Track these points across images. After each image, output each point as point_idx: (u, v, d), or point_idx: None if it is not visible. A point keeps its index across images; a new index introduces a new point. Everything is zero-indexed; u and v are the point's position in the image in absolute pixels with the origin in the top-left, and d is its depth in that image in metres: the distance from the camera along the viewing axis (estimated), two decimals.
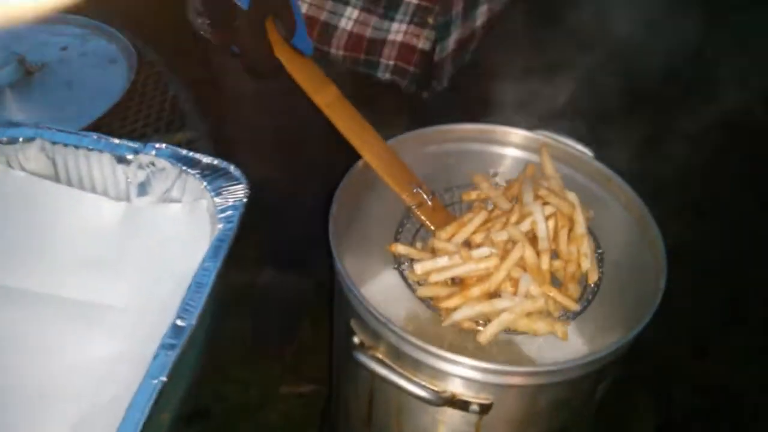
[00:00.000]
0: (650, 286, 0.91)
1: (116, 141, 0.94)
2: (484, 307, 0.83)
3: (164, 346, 0.69)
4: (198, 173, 0.90)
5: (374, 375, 0.84)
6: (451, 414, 0.85)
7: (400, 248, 0.91)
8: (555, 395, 0.85)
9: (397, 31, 1.05)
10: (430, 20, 1.05)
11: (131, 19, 1.36)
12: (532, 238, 0.89)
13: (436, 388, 0.82)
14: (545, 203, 0.91)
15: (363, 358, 0.82)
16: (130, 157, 0.93)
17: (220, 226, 0.83)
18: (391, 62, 1.08)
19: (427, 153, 1.04)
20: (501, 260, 0.86)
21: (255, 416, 1.72)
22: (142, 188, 0.94)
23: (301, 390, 1.78)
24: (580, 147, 1.04)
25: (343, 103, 0.94)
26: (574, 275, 0.90)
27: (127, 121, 1.13)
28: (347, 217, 0.93)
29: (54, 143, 0.95)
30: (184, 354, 0.69)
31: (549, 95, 1.07)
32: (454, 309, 0.84)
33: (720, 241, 1.99)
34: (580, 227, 0.91)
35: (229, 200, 0.86)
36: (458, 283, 0.88)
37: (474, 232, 0.91)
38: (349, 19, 1.04)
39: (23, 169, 0.96)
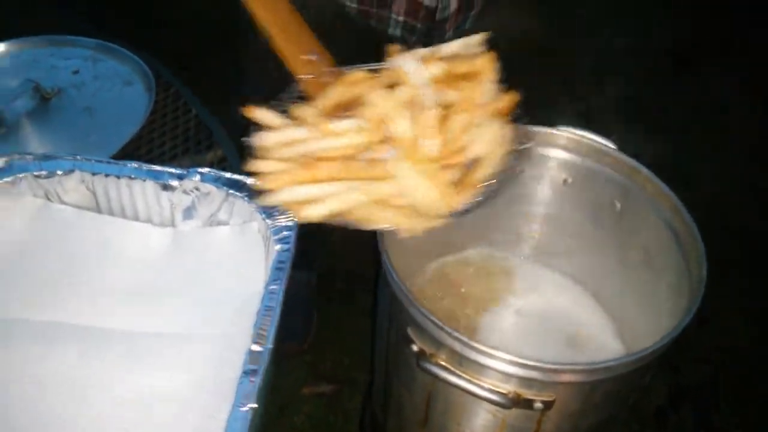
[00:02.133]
0: (686, 275, 0.95)
1: (158, 168, 0.94)
2: (313, 189, 0.72)
3: (246, 373, 0.71)
4: (245, 195, 0.91)
5: (436, 379, 0.87)
6: (513, 412, 0.88)
7: (257, 112, 0.75)
8: (610, 388, 0.88)
9: None
10: None
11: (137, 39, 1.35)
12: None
13: (500, 390, 0.85)
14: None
15: (429, 367, 0.84)
16: (173, 183, 0.93)
17: (278, 247, 0.84)
18: (401, 18, 1.12)
19: None
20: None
21: (281, 420, 1.74)
22: (188, 213, 0.95)
23: (322, 390, 1.81)
24: (602, 140, 1.07)
25: None
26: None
27: (155, 144, 1.13)
28: None
29: (94, 174, 0.95)
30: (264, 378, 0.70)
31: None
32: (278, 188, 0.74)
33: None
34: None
35: (281, 221, 0.88)
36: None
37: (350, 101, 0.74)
38: None
39: (63, 202, 0.97)
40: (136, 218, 0.97)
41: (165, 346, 0.84)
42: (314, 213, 0.72)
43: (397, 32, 1.13)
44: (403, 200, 0.71)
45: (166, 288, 0.90)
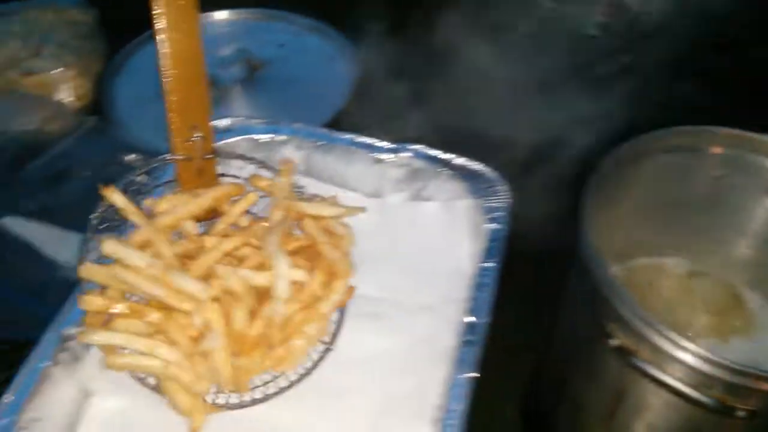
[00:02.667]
0: None
1: (373, 141, 0.98)
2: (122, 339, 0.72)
3: (466, 343, 0.73)
4: (456, 174, 0.94)
5: (630, 376, 0.86)
6: (712, 418, 0.86)
7: (109, 246, 0.73)
8: None
9: None
10: None
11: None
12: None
13: (704, 394, 0.83)
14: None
15: (635, 362, 0.83)
16: (386, 156, 0.97)
17: (491, 226, 0.86)
18: None
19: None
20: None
21: None
22: (396, 186, 0.99)
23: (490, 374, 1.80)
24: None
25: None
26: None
27: (357, 118, 1.18)
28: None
29: (311, 141, 1.00)
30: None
31: None
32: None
33: None
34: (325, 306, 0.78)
35: (492, 201, 0.89)
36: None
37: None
38: None
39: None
40: (345, 187, 1.02)
41: (382, 309, 0.87)
42: (118, 363, 0.73)
43: None
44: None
45: (376, 256, 0.93)
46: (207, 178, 0.82)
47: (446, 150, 0.97)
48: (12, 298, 0.94)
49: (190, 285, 0.71)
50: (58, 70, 1.23)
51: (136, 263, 0.72)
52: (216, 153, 0.82)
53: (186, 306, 0.71)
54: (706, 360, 0.80)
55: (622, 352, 0.86)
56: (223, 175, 0.92)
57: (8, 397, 0.71)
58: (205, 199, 0.81)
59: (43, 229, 0.98)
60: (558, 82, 1.29)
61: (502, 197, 0.89)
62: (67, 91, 1.23)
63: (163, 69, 0.71)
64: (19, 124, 1.09)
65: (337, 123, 1.12)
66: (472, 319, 0.76)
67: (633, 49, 1.24)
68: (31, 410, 0.72)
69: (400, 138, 1.00)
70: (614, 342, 0.87)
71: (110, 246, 0.73)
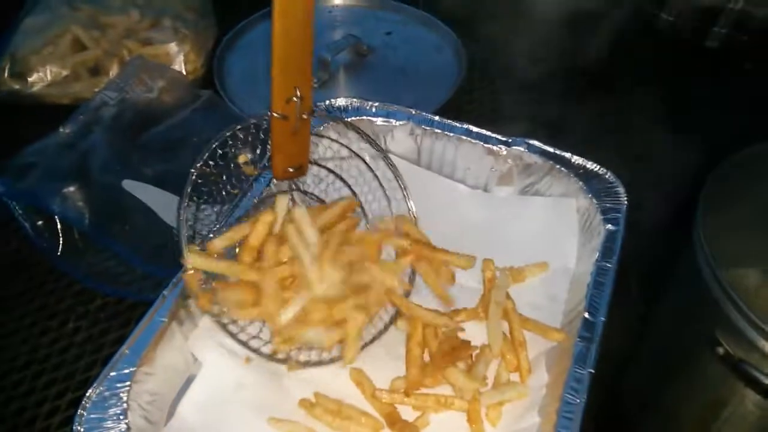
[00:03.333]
0: None
1: (487, 132, 0.99)
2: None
3: (582, 339, 0.73)
4: (571, 172, 0.93)
5: (731, 386, 0.84)
6: None
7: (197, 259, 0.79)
8: None
9: None
10: None
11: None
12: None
13: None
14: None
15: (749, 371, 0.82)
16: (499, 149, 0.98)
17: (607, 227, 0.86)
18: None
19: None
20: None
21: None
22: (504, 179, 0.99)
23: None
24: None
25: None
26: None
27: (461, 113, 1.18)
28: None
29: (426, 129, 1.01)
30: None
31: None
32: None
33: None
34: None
35: (609, 201, 0.89)
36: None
37: None
38: None
39: (388, 150, 1.04)
40: (452, 177, 1.02)
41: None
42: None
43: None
44: None
45: (481, 249, 0.93)
46: (300, 139, 0.83)
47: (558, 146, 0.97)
48: (129, 259, 0.97)
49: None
50: (174, 42, 1.27)
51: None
52: (313, 113, 0.83)
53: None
54: None
55: (729, 360, 0.85)
56: (319, 135, 0.94)
57: (126, 349, 0.74)
58: (329, 213, 0.86)
59: (159, 195, 1.01)
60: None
61: (620, 199, 0.89)
62: (182, 63, 1.26)
63: (273, 28, 0.72)
64: (140, 91, 1.13)
65: (442, 114, 1.12)
66: (590, 317, 0.76)
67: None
68: (146, 363, 0.74)
69: (506, 133, 1.00)
70: (720, 350, 0.86)
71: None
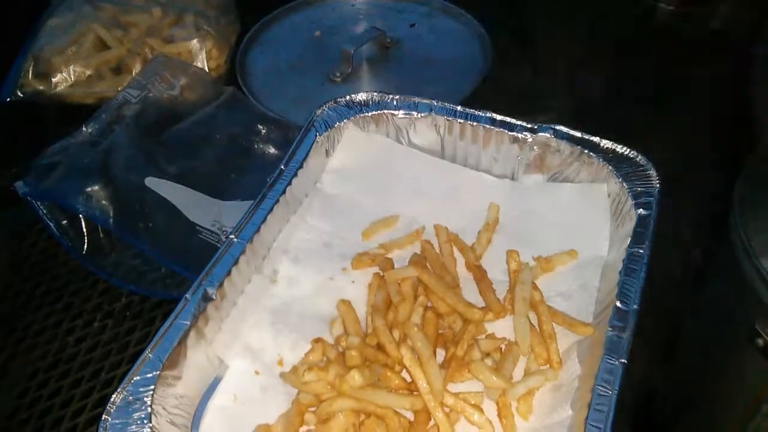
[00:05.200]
0: None
1: (512, 120, 0.96)
2: None
3: (614, 328, 0.70)
4: (600, 156, 0.90)
5: None
6: None
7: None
8: None
9: None
10: None
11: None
12: None
13: None
14: None
15: None
16: (525, 136, 0.95)
17: (639, 211, 0.83)
18: None
19: None
20: None
21: None
22: (531, 167, 0.96)
23: None
24: None
25: None
26: None
27: (487, 103, 1.16)
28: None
29: (449, 119, 0.99)
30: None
31: None
32: None
33: None
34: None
35: (640, 186, 0.86)
36: None
37: None
38: None
39: (411, 143, 1.02)
40: (477, 168, 1.00)
41: None
42: None
43: None
44: None
45: (509, 238, 0.91)
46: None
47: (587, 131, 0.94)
48: (154, 256, 0.96)
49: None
50: (196, 39, 1.26)
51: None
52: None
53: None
54: None
55: None
56: None
57: (150, 353, 0.73)
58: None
59: (182, 192, 1.00)
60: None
61: (651, 182, 0.86)
62: (204, 60, 1.26)
63: None
64: (163, 88, 1.12)
65: (468, 104, 1.10)
66: (622, 305, 0.73)
67: None
68: (169, 367, 0.73)
69: (534, 121, 0.97)
70: (760, 341, 0.83)
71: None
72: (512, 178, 0.98)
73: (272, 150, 1.11)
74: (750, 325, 0.84)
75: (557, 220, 0.92)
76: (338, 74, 1.28)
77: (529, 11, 1.41)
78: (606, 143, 0.92)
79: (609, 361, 0.68)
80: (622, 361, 0.68)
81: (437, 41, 1.35)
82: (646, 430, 1.01)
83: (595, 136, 0.93)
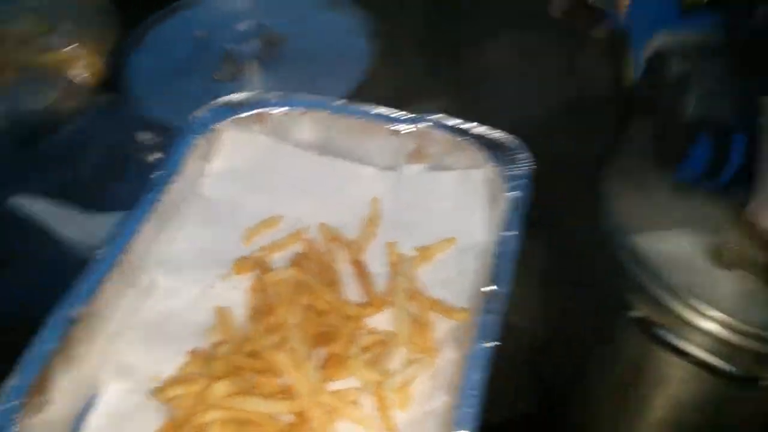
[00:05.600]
0: None
1: (390, 112, 0.96)
2: None
3: (487, 311, 0.71)
4: (475, 142, 0.91)
5: (649, 350, 0.84)
6: (735, 388, 0.84)
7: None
8: None
9: None
10: None
11: None
12: None
13: (728, 364, 0.80)
14: None
15: (659, 333, 0.81)
16: (403, 127, 0.95)
17: (511, 194, 0.84)
18: None
19: None
20: None
21: None
22: (413, 157, 0.97)
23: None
24: None
25: None
26: None
27: (376, 94, 1.16)
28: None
29: (330, 115, 0.98)
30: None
31: None
32: None
33: None
34: None
35: (513, 169, 0.87)
36: None
37: None
38: None
39: (296, 141, 1.01)
40: (365, 161, 0.99)
41: None
42: None
43: None
44: None
45: (391, 228, 0.91)
46: None
47: (467, 120, 0.95)
48: (24, 278, 0.93)
49: None
50: (74, 46, 1.22)
51: None
52: None
53: None
54: (732, 329, 0.78)
55: (643, 324, 0.85)
56: None
57: (14, 380, 0.70)
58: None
59: (53, 208, 0.97)
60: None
61: (524, 165, 0.87)
62: (83, 67, 1.22)
63: None
64: (32, 102, 1.08)
65: (355, 97, 1.10)
66: (493, 287, 0.74)
67: None
68: (37, 393, 0.70)
69: (420, 110, 0.98)
70: (635, 313, 0.86)
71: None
72: (395, 170, 0.99)
73: (155, 157, 1.09)
74: (624, 297, 0.87)
75: (437, 208, 0.92)
76: (224, 75, 1.26)
77: (422, 5, 1.41)
78: (480, 129, 0.93)
79: (480, 344, 0.69)
80: (493, 343, 0.69)
81: (325, 35, 1.33)
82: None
83: (472, 122, 0.94)
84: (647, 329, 0.85)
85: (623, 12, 0.84)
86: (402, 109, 0.98)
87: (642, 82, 0.84)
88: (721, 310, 0.78)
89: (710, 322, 0.79)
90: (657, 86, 0.80)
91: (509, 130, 0.93)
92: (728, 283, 0.81)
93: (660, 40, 0.79)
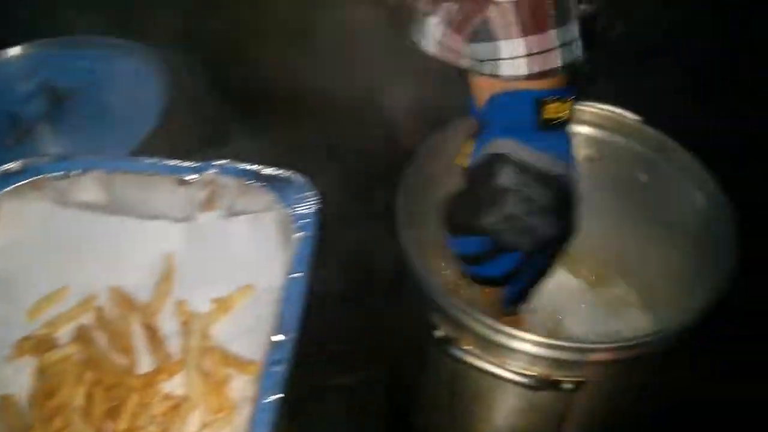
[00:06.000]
0: (716, 247, 0.92)
1: (174, 162, 0.93)
2: None
3: (271, 363, 0.70)
4: (263, 185, 0.90)
5: (460, 366, 0.85)
6: (540, 394, 0.86)
7: None
8: (643, 365, 0.86)
9: None
10: None
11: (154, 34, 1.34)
12: None
13: (527, 372, 0.83)
14: None
15: (454, 352, 0.83)
16: (190, 177, 0.92)
17: (299, 234, 0.83)
18: None
19: None
20: None
21: (302, 414, 1.73)
22: (206, 206, 0.94)
23: (345, 382, 1.79)
24: (627, 113, 1.04)
25: None
26: None
27: (173, 141, 1.13)
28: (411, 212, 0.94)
29: (110, 172, 0.94)
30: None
31: None
32: None
33: None
34: None
35: (301, 208, 0.86)
36: None
37: None
38: None
39: (78, 203, 0.96)
40: (154, 216, 0.96)
41: None
42: None
43: None
44: None
45: (188, 283, 0.89)
46: None
47: (260, 162, 0.93)
48: None
49: None
50: None
51: None
52: None
53: None
54: (522, 339, 0.80)
55: (446, 342, 0.86)
56: None
57: None
58: None
59: None
60: None
61: (311, 203, 0.87)
62: None
63: None
64: None
65: (148, 147, 1.06)
66: (280, 336, 0.72)
67: None
68: None
69: (216, 156, 0.96)
70: (438, 333, 0.87)
71: None
72: (188, 221, 0.96)
73: None
74: (427, 317, 0.88)
75: (233, 256, 0.90)
76: (9, 140, 1.19)
77: (215, 43, 1.39)
78: (268, 170, 0.92)
79: (262, 398, 0.67)
80: (277, 396, 0.67)
81: (116, 85, 1.29)
82: None
83: (260, 165, 0.93)
84: (450, 347, 0.86)
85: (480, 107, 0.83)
86: (195, 155, 0.96)
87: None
88: (508, 326, 0.80)
89: (502, 335, 0.81)
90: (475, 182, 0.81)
91: (299, 169, 0.92)
92: None
93: (505, 146, 0.79)
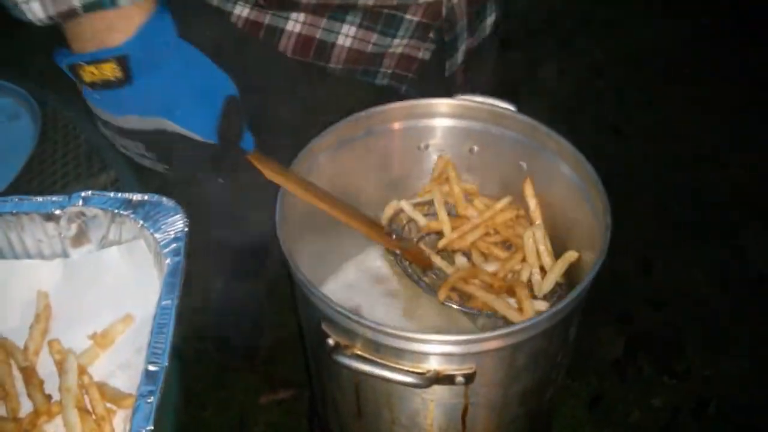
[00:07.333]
0: (595, 224, 0.94)
1: (40, 199, 0.90)
2: None
3: (143, 395, 0.67)
4: (131, 212, 0.87)
5: (357, 371, 0.85)
6: (438, 390, 0.86)
7: None
8: (531, 349, 0.87)
9: (398, 45, 1.05)
10: (431, 35, 1.05)
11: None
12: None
13: (419, 371, 0.83)
14: None
15: (343, 360, 0.82)
16: (58, 212, 0.89)
17: (168, 260, 0.81)
18: (390, 70, 1.07)
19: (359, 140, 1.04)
20: None
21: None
22: (77, 240, 0.91)
23: (280, 396, 1.78)
24: (501, 103, 1.05)
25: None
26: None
27: (47, 175, 1.09)
28: (298, 222, 0.93)
29: None
30: (164, 397, 0.67)
31: None
32: None
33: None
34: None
35: (170, 233, 0.84)
36: None
37: None
38: (347, 36, 1.02)
39: None
40: (27, 255, 0.92)
41: None
42: None
43: (384, 82, 1.08)
44: None
45: (64, 321, 0.86)
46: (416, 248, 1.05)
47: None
48: None
49: None
50: None
51: None
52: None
53: None
54: (407, 338, 0.80)
55: (339, 349, 0.85)
56: None
57: None
58: None
59: None
60: None
61: (179, 227, 0.84)
62: None
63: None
64: None
65: (19, 186, 1.02)
66: (152, 367, 0.70)
67: None
68: None
69: (92, 186, 0.93)
70: (330, 341, 0.86)
71: None
72: (63, 256, 0.92)
73: None
74: (319, 326, 0.87)
75: (110, 288, 0.88)
76: None
77: None
78: (138, 197, 0.89)
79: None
80: (149, 428, 0.65)
81: None
82: None
83: (128, 192, 0.90)
84: (340, 354, 0.85)
85: None
86: (66, 190, 0.92)
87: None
88: (393, 326, 0.80)
89: (390, 337, 0.81)
90: None
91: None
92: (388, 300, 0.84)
93: None
